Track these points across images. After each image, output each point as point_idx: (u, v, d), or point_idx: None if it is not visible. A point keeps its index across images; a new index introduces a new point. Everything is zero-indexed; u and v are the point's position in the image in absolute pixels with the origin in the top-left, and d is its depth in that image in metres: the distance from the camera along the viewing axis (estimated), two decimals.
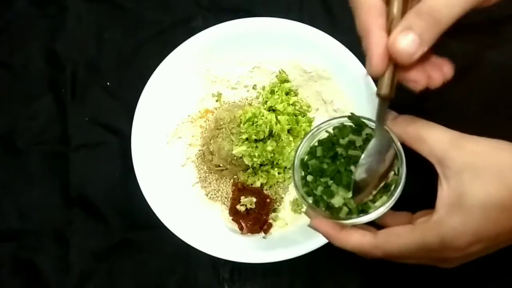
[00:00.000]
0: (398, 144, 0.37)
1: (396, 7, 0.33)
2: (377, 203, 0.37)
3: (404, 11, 0.33)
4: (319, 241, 0.49)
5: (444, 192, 0.34)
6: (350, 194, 0.38)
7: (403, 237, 0.34)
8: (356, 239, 0.36)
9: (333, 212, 0.38)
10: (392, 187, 0.37)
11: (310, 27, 0.54)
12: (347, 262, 0.56)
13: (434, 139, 0.35)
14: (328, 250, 0.49)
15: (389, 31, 0.33)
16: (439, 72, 0.35)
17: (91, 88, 0.64)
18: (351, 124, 0.40)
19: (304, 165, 0.41)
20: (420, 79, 0.34)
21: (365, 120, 0.39)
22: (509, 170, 0.32)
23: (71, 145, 0.63)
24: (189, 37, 0.55)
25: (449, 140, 0.34)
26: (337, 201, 0.38)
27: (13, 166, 0.63)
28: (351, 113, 0.40)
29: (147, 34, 0.65)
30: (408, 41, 0.31)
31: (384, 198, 0.37)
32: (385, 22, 0.33)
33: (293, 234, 0.55)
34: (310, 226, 0.39)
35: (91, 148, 0.62)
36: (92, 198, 0.61)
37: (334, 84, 0.56)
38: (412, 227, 0.34)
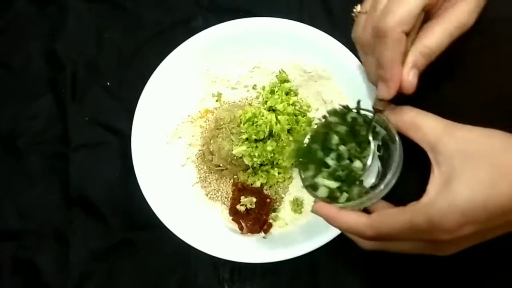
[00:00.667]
0: (394, 131, 0.39)
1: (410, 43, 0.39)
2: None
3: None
4: (319, 241, 0.49)
5: (435, 177, 0.35)
6: (335, 184, 0.41)
7: (394, 216, 0.35)
8: (351, 218, 0.38)
9: (333, 199, 0.41)
10: (389, 174, 0.39)
11: (310, 27, 0.54)
12: (347, 262, 0.56)
13: (428, 126, 0.37)
14: (328, 250, 0.50)
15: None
16: None
17: (91, 88, 0.64)
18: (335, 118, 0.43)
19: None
20: None
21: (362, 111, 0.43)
22: (499, 153, 0.33)
23: (71, 145, 0.63)
24: (189, 37, 0.55)
25: (442, 128, 0.36)
26: (321, 192, 0.41)
27: (13, 166, 0.63)
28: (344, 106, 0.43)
29: (147, 34, 0.65)
30: (414, 75, 0.38)
31: (381, 183, 0.39)
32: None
33: (293, 234, 0.55)
34: (312, 211, 0.42)
35: (91, 148, 0.62)
36: (92, 198, 0.61)
37: (334, 84, 0.56)
38: (403, 208, 0.36)
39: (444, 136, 0.35)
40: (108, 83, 0.64)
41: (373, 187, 0.41)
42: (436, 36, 0.38)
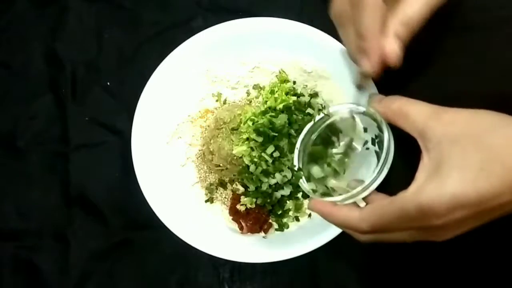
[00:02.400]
0: (383, 121, 0.39)
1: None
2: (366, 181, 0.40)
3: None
4: (319, 241, 0.49)
5: (425, 163, 0.34)
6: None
7: (384, 208, 0.35)
8: (344, 213, 0.38)
9: (327, 195, 0.43)
10: (379, 164, 0.39)
11: (310, 27, 0.54)
12: (347, 262, 0.56)
13: (415, 113, 0.36)
14: (328, 250, 0.50)
15: None
16: None
17: (91, 88, 0.64)
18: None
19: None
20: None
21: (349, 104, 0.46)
22: (487, 134, 0.32)
23: (71, 145, 0.63)
24: (189, 37, 0.55)
25: (429, 113, 0.35)
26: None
27: (13, 166, 0.63)
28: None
29: (147, 34, 0.65)
30: (397, 47, 0.38)
31: (373, 175, 0.39)
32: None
33: (293, 234, 0.55)
34: (308, 207, 0.43)
35: (91, 148, 0.62)
36: (92, 198, 0.61)
37: (334, 84, 0.56)
38: (393, 198, 0.35)
39: (431, 121, 0.35)
40: (108, 83, 0.64)
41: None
42: (416, 3, 0.37)
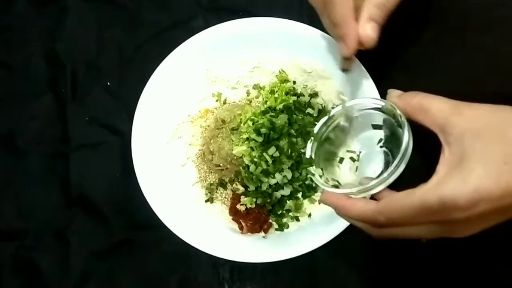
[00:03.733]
0: (403, 116, 0.39)
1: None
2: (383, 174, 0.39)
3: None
4: (319, 241, 0.49)
5: (446, 157, 0.34)
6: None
7: (403, 200, 0.34)
8: (360, 206, 0.37)
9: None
10: (397, 158, 0.38)
11: (310, 27, 0.54)
12: (347, 262, 0.56)
13: (436, 108, 0.36)
14: (328, 250, 0.50)
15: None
16: None
17: (91, 88, 0.64)
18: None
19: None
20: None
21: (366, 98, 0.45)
22: (510, 127, 0.32)
23: (71, 145, 0.63)
24: (189, 37, 0.55)
25: (450, 108, 0.35)
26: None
27: (13, 166, 0.63)
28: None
29: (147, 34, 0.65)
30: (372, 29, 0.40)
31: (388, 169, 0.38)
32: (355, 13, 0.40)
33: (293, 234, 0.55)
34: (320, 201, 0.41)
35: (91, 148, 0.62)
36: (92, 198, 0.61)
37: (334, 84, 0.56)
38: (412, 190, 0.34)
39: (453, 115, 0.34)
40: (108, 83, 0.64)
41: (380, 174, 0.40)
42: None
